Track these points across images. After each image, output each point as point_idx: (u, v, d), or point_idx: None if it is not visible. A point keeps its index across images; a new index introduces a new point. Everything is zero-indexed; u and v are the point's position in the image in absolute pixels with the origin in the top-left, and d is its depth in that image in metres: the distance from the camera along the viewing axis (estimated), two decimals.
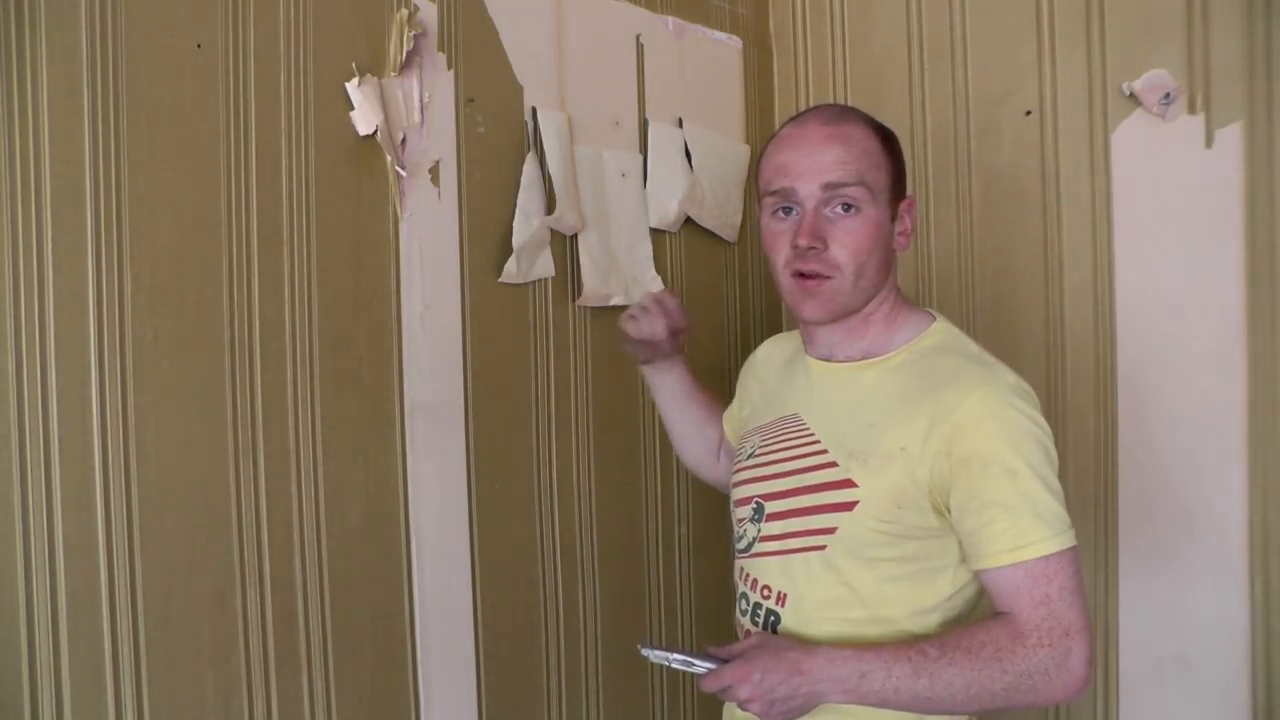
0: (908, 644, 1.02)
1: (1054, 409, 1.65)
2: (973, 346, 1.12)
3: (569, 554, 1.57)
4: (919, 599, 1.07)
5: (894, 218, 1.13)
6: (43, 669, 1.02)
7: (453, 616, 1.40)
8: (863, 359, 1.14)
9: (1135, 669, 1.62)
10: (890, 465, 1.05)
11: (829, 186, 1.08)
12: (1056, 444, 1.06)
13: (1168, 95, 1.53)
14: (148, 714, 1.09)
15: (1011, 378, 1.07)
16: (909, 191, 1.17)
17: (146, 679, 1.09)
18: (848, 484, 1.08)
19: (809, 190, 1.09)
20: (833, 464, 1.10)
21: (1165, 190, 1.55)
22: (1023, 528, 0.99)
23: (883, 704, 1.01)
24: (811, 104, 1.92)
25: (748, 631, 1.17)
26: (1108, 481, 1.62)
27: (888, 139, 1.14)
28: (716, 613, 1.81)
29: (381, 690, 1.31)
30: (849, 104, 1.87)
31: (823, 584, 1.09)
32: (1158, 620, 1.59)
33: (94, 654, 1.05)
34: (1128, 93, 1.57)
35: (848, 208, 1.09)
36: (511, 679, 1.48)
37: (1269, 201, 1.47)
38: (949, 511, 1.04)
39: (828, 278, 1.09)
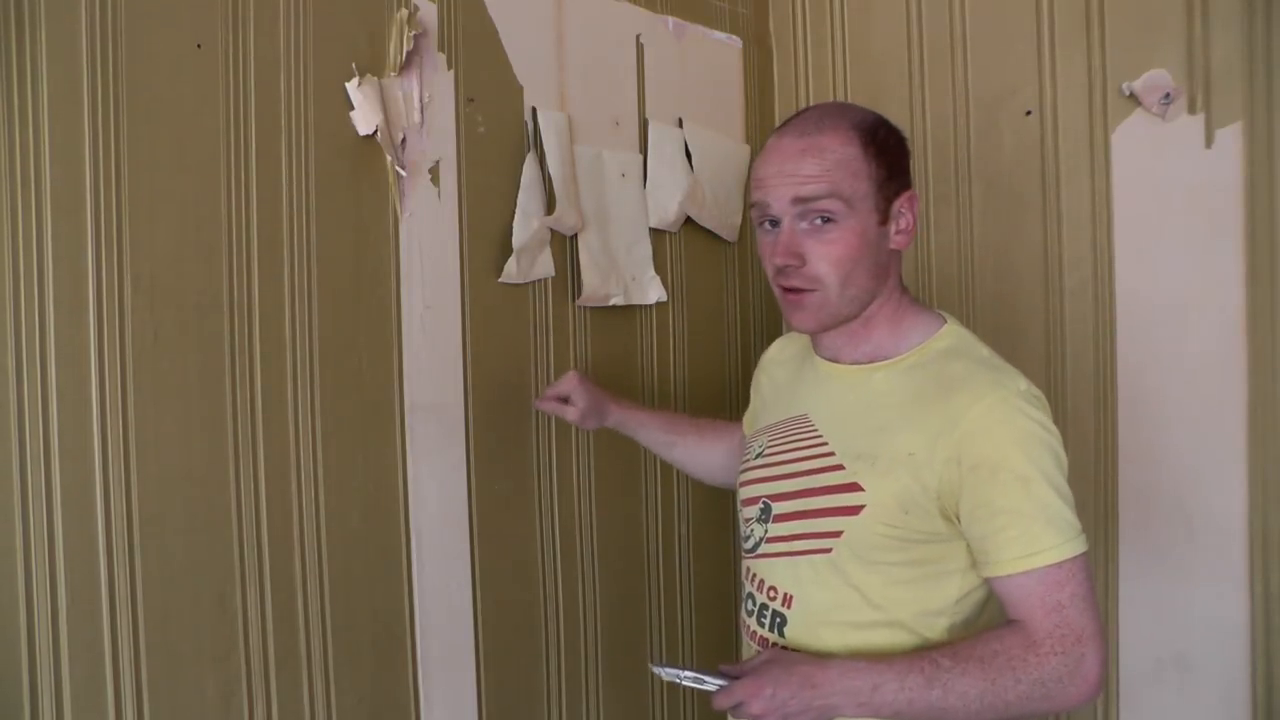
0: (920, 655, 1.01)
1: (1054, 409, 1.62)
2: (984, 350, 1.11)
3: (569, 554, 1.57)
4: (926, 602, 1.07)
5: (887, 218, 1.10)
6: (43, 669, 1.02)
7: (453, 616, 1.40)
8: (870, 361, 1.13)
9: (1135, 669, 1.62)
10: (898, 469, 1.04)
11: (799, 200, 1.07)
12: None
13: (1168, 95, 1.53)
14: (148, 714, 1.09)
15: (1023, 383, 1.06)
16: (912, 185, 1.13)
17: (146, 679, 1.09)
18: (854, 488, 1.07)
19: (782, 206, 1.08)
20: (839, 467, 1.09)
21: (1165, 190, 1.55)
22: (1034, 535, 0.99)
23: (897, 716, 1.00)
24: (812, 104, 1.92)
25: (752, 632, 1.17)
26: (1108, 482, 1.62)
27: (874, 139, 1.10)
28: (717, 613, 1.81)
29: (381, 690, 1.31)
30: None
31: (829, 586, 1.09)
32: (1158, 620, 1.59)
33: (94, 654, 1.05)
34: (1128, 93, 1.57)
35: (825, 219, 1.07)
36: (511, 679, 1.48)
37: (1269, 201, 1.47)
38: (958, 519, 1.03)
39: (812, 291, 1.09)
